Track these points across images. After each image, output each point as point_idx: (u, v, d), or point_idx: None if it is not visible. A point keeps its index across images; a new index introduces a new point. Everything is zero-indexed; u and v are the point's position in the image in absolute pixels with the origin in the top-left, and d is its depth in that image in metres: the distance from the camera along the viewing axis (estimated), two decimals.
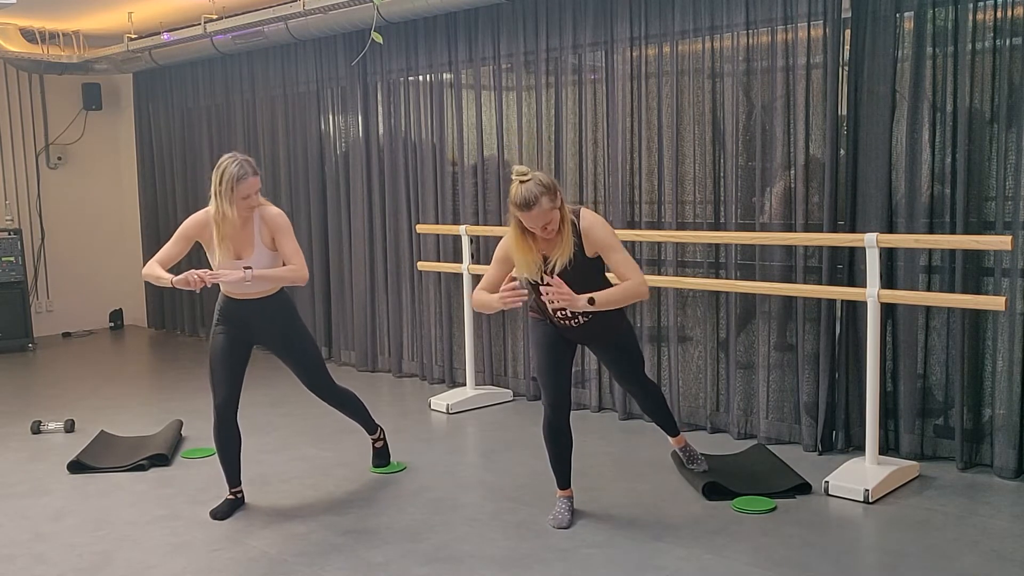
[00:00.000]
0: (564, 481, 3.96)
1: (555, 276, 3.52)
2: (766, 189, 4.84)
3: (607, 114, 5.41)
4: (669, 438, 4.29)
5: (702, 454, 4.36)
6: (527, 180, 3.46)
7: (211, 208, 3.94)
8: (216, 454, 4.17)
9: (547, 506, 4.03)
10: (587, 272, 3.62)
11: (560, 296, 3.48)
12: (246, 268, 3.93)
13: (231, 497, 4.17)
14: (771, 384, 4.89)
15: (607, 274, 3.74)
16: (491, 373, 6.17)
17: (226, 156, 3.94)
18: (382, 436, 4.68)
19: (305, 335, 4.25)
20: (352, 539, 3.81)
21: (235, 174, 3.85)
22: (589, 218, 3.64)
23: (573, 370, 3.99)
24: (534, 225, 3.51)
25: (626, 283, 3.55)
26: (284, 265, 4.04)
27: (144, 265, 4.06)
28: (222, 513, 4.09)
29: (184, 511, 4.18)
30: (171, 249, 4.04)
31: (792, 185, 4.71)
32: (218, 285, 3.99)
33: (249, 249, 3.98)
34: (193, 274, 3.82)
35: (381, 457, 4.68)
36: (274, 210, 4.06)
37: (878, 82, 4.44)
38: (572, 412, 3.94)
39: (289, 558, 3.65)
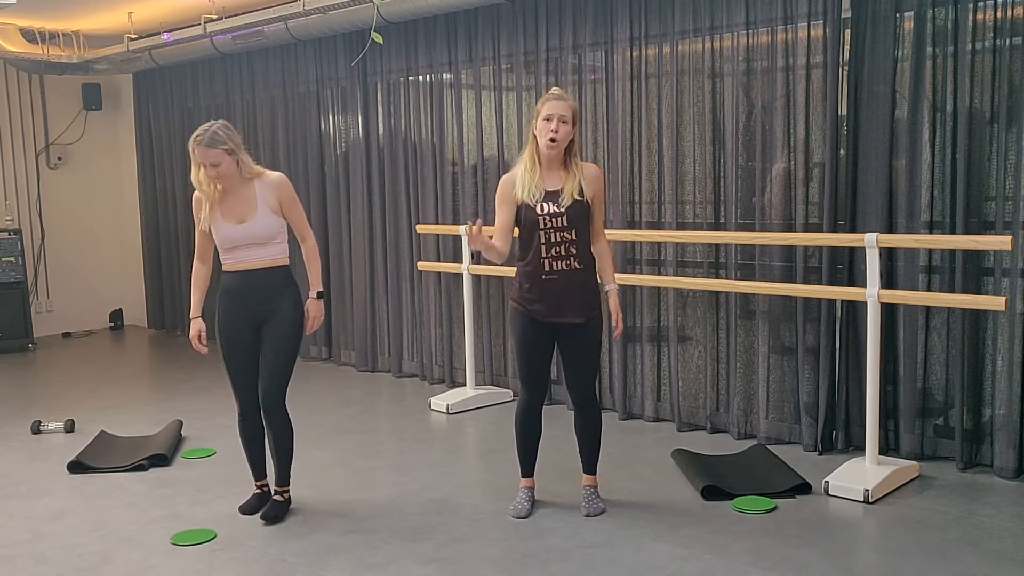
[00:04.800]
0: (528, 470, 4.06)
1: (564, 208, 3.79)
2: (766, 189, 4.84)
3: (607, 114, 5.41)
4: (583, 473, 4.07)
5: (699, 453, 4.34)
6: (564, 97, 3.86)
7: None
8: (242, 449, 4.11)
9: (547, 506, 4.04)
10: (583, 211, 3.81)
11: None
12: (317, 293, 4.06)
13: (258, 491, 4.14)
14: (771, 384, 4.89)
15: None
16: (491, 373, 6.17)
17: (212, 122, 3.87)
18: (287, 494, 4.11)
19: (297, 333, 3.97)
20: (352, 539, 3.81)
21: (193, 137, 3.77)
22: (593, 167, 3.95)
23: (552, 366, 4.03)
24: (555, 112, 3.73)
25: (604, 248, 3.96)
26: (299, 232, 4.04)
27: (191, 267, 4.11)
28: (254, 510, 4.06)
29: (184, 511, 4.17)
30: (199, 239, 3.99)
31: (792, 185, 4.71)
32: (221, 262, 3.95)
33: (252, 213, 3.87)
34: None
35: (277, 510, 4.04)
36: (275, 176, 3.95)
37: (878, 82, 4.44)
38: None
39: (289, 558, 3.65)
